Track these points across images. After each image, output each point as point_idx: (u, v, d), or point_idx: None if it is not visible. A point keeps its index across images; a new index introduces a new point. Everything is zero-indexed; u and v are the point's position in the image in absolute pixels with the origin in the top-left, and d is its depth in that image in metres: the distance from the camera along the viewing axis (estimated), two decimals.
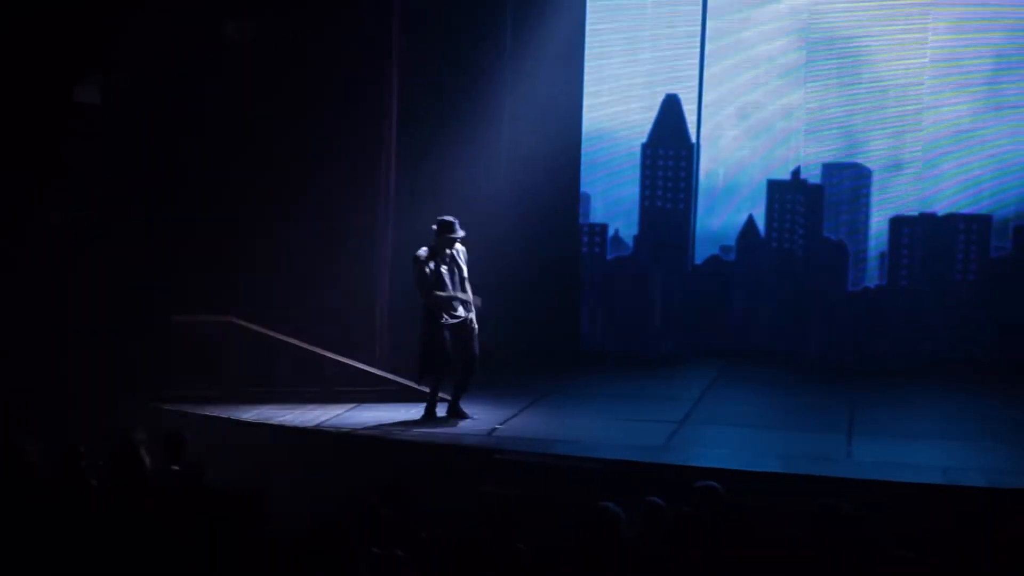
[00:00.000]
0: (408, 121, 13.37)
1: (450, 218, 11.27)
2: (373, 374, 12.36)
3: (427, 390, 11.53)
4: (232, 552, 5.22)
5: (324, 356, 12.31)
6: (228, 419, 11.45)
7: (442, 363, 11.28)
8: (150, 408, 11.23)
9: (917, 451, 10.77)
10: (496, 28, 14.26)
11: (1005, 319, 14.00)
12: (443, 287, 11.17)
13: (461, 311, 11.25)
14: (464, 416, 11.38)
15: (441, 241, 11.17)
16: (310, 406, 11.85)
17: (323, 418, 11.45)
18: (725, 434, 11.24)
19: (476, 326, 11.32)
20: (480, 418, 11.38)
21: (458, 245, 11.27)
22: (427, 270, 11.12)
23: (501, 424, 11.27)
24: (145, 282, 12.50)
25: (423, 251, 11.17)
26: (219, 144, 12.98)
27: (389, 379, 12.36)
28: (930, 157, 14.15)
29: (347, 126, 13.07)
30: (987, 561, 6.58)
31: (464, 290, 11.27)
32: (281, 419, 11.42)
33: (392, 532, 6.67)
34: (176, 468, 8.35)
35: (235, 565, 5.18)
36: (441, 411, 11.44)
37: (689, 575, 5.53)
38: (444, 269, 11.18)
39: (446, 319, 11.18)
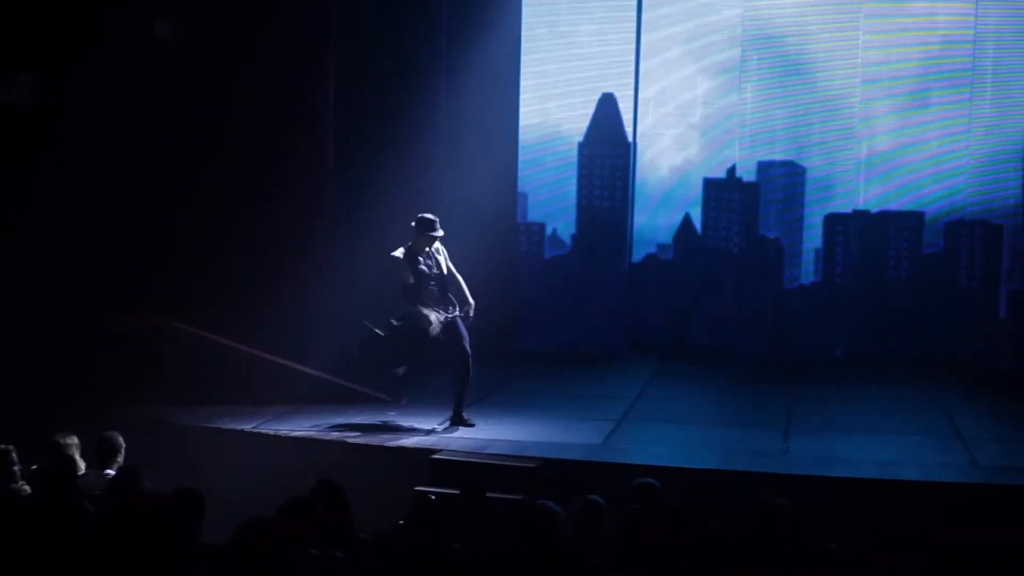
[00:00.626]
0: (346, 124, 13.31)
1: (430, 216, 10.97)
2: (313, 376, 12.27)
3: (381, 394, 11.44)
4: (165, 557, 5.15)
5: (265, 358, 12.22)
6: (165, 422, 11.33)
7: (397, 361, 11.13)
8: (87, 412, 11.08)
9: (853, 446, 10.86)
10: (433, 30, 14.21)
11: (937, 315, 14.16)
12: (422, 289, 10.94)
13: (444, 313, 11.00)
14: (468, 424, 11.09)
15: (421, 240, 10.91)
16: (249, 408, 11.74)
17: (262, 420, 11.36)
18: (663, 431, 11.27)
19: (464, 331, 11.06)
20: (435, 419, 11.30)
21: (438, 244, 11.04)
22: (407, 273, 10.85)
23: (440, 424, 11.24)
24: (84, 284, 12.38)
25: (399, 252, 10.91)
26: (157, 147, 12.88)
27: (329, 381, 12.28)
28: (863, 155, 14.29)
29: (286, 129, 13.00)
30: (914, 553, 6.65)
31: (447, 290, 11.03)
32: (220, 422, 11.32)
33: (330, 533, 6.63)
34: (110, 473, 8.25)
35: (167, 570, 5.11)
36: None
37: (629, 572, 5.52)
38: (423, 269, 10.92)
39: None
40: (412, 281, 10.86)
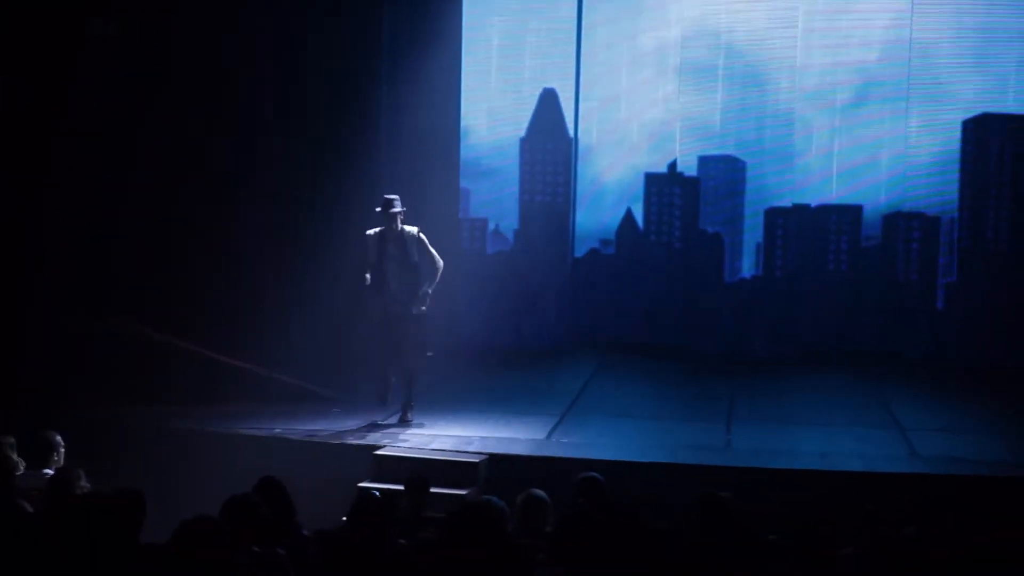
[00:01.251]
0: (285, 116, 13.27)
1: (389, 195, 11.05)
2: (260, 374, 12.20)
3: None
4: (103, 556, 5.10)
5: (213, 357, 12.13)
6: (114, 421, 11.22)
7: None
8: (32, 411, 10.97)
9: (795, 438, 10.97)
10: (373, 23, 14.14)
11: (876, 307, 14.30)
12: (382, 270, 10.92)
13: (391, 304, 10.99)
14: (410, 423, 11.11)
15: (385, 220, 10.95)
16: (195, 407, 11.66)
17: (208, 419, 11.28)
18: (606, 426, 11.30)
19: (409, 330, 11.04)
20: (379, 418, 11.27)
21: (408, 228, 11.02)
22: (370, 252, 10.91)
23: (383, 421, 11.21)
24: (35, 287, 12.31)
25: (373, 230, 10.99)
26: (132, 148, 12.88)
27: (275, 379, 12.22)
28: (803, 149, 14.38)
29: (240, 143, 13.10)
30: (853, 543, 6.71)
31: (403, 277, 11.01)
32: (167, 421, 11.23)
33: (272, 530, 6.59)
34: (49, 472, 8.17)
35: (106, 569, 5.06)
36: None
37: (572, 566, 5.53)
38: (388, 252, 10.94)
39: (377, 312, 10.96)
40: (372, 260, 10.87)
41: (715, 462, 9.97)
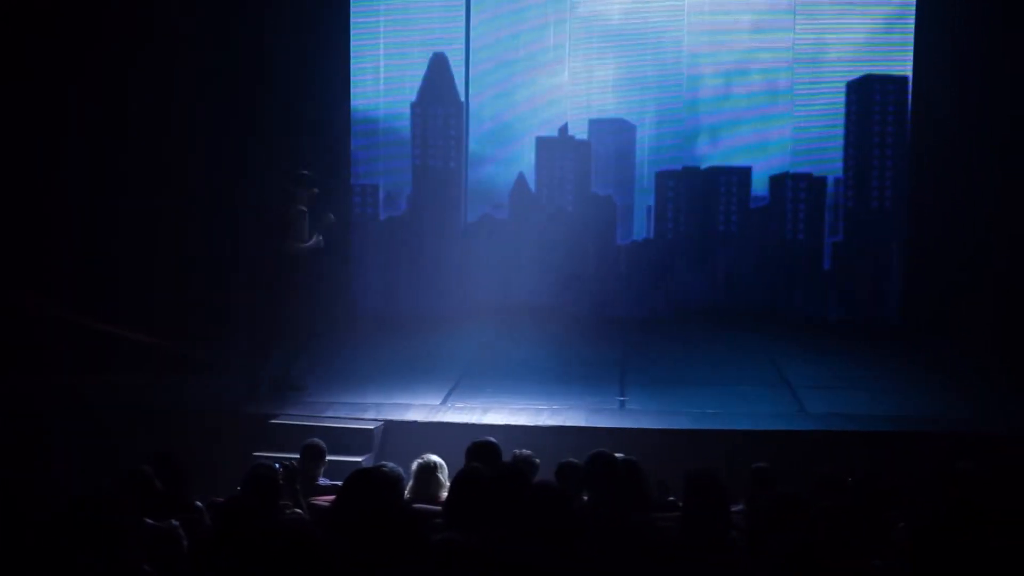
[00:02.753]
0: (173, 96, 13.20)
1: (306, 171, 10.96)
2: (152, 343, 12.05)
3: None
4: None
5: (103, 328, 11.94)
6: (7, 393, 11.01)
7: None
8: None
9: (686, 398, 11.10)
10: None
11: (765, 267, 14.53)
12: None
13: None
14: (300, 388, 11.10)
15: (308, 196, 10.87)
16: (90, 379, 11.45)
17: (103, 391, 11.10)
18: (501, 390, 11.32)
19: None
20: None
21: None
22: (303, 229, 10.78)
23: (278, 390, 11.14)
24: None
25: (303, 207, 10.84)
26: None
27: (168, 348, 12.08)
28: (691, 112, 14.52)
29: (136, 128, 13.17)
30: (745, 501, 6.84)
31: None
32: (60, 393, 11.02)
33: (166, 503, 6.55)
34: None
35: None
36: None
37: (467, 530, 5.56)
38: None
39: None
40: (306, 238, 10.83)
41: (609, 423, 10.07)
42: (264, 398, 10.77)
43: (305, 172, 10.94)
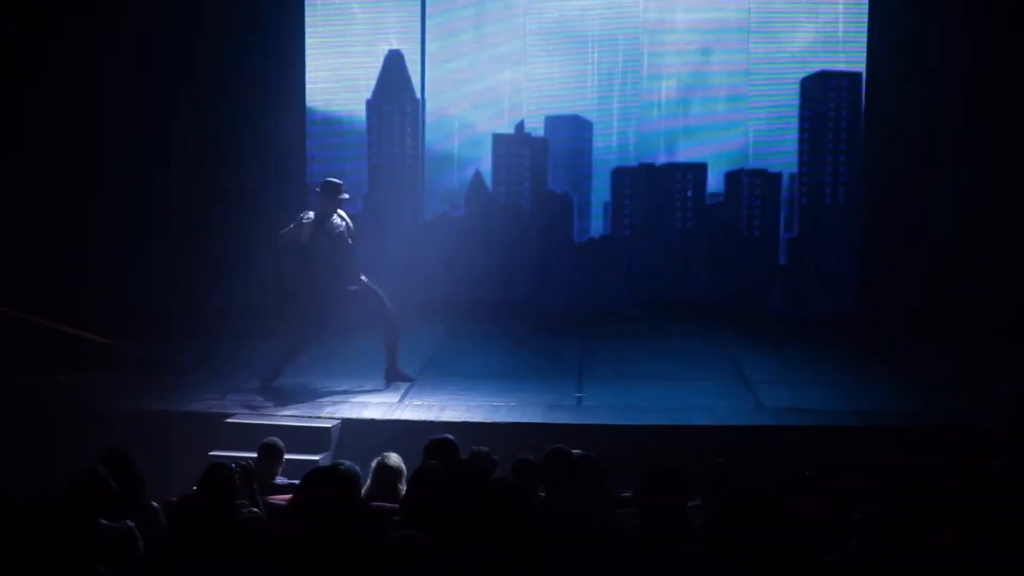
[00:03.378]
0: (132, 99, 13.14)
1: (335, 180, 10.96)
2: (105, 343, 11.95)
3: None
4: None
5: (55, 327, 11.84)
6: None
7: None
8: None
9: (644, 393, 11.13)
10: None
11: (722, 263, 14.58)
12: (319, 255, 10.75)
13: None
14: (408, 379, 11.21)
15: (326, 205, 10.84)
16: (40, 378, 11.35)
17: (52, 390, 11.01)
18: (459, 387, 11.29)
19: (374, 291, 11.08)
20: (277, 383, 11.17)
21: (343, 214, 10.95)
22: (305, 231, 10.71)
23: (233, 390, 11.08)
24: None
25: (310, 213, 10.84)
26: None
27: (123, 347, 12.00)
28: (648, 109, 14.54)
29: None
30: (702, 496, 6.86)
31: (346, 260, 10.92)
32: (6, 392, 10.91)
33: (120, 503, 6.49)
34: None
35: None
36: None
37: (424, 526, 5.55)
38: (327, 235, 10.80)
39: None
40: (304, 240, 10.73)
41: (566, 420, 10.07)
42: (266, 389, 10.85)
43: (330, 180, 10.97)
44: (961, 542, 5.59)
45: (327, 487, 5.51)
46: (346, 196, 11.05)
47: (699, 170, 14.61)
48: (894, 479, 6.93)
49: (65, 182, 13.18)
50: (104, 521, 6.03)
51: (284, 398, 10.78)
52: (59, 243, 12.95)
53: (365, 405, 10.51)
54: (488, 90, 14.71)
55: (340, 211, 11.00)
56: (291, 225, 10.88)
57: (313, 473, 5.69)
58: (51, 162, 13.24)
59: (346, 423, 10.02)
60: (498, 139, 14.79)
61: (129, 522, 6.13)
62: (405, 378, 11.28)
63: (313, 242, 10.79)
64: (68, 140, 13.21)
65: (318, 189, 11.06)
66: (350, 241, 10.99)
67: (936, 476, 6.85)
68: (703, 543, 5.83)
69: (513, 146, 14.79)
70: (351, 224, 11.07)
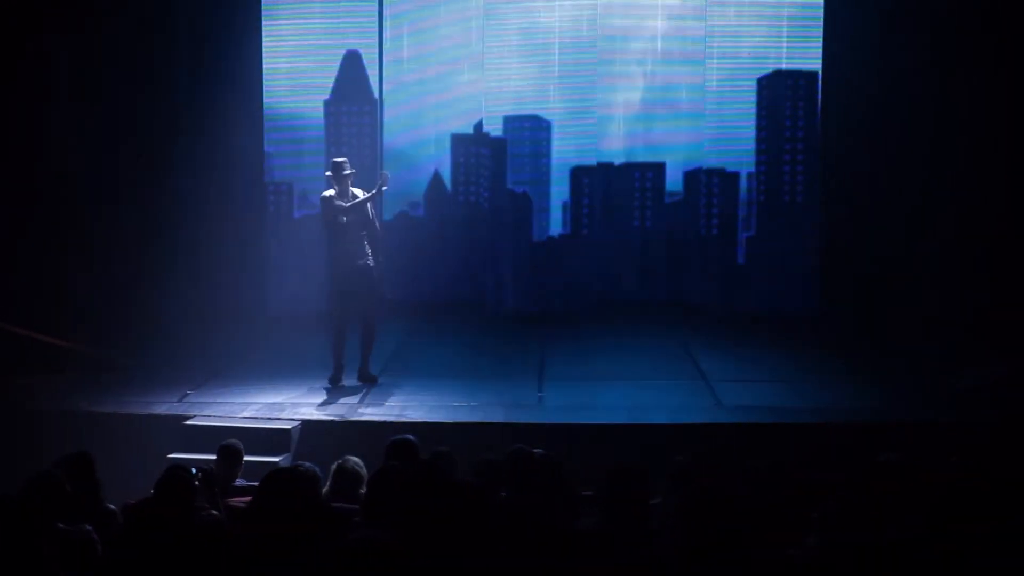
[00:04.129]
0: (84, 98, 13.07)
1: (338, 158, 11.25)
2: (58, 344, 11.86)
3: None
4: None
5: (16, 331, 11.75)
6: None
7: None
8: None
9: (605, 392, 11.15)
10: None
11: (680, 262, 14.61)
12: (347, 232, 11.00)
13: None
14: (374, 381, 11.29)
15: (339, 183, 11.05)
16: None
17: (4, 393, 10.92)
18: (419, 387, 11.29)
19: (376, 274, 11.26)
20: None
21: (359, 190, 11.15)
22: (335, 211, 10.95)
23: (191, 390, 11.02)
24: None
25: (330, 192, 11.07)
26: None
27: (76, 349, 11.90)
28: (606, 108, 14.56)
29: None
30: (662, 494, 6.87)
31: (369, 233, 11.15)
32: None
33: (77, 506, 6.44)
34: None
35: None
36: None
37: (384, 527, 5.52)
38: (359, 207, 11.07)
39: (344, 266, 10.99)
40: (344, 220, 10.97)
41: (527, 419, 10.07)
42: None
43: (335, 160, 11.28)
44: (920, 537, 5.62)
45: (287, 488, 5.48)
46: (351, 171, 11.18)
47: (658, 169, 14.64)
48: (852, 475, 6.96)
49: (14, 183, 13.04)
50: (61, 525, 5.98)
51: (243, 399, 10.73)
52: (10, 246, 12.80)
53: (325, 406, 10.48)
54: (447, 89, 14.68)
55: (354, 188, 11.19)
56: (332, 202, 11.02)
57: (273, 474, 5.66)
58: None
59: (306, 424, 10.00)
60: (457, 139, 14.77)
61: (87, 526, 6.08)
62: (373, 380, 11.25)
63: (343, 218, 11.04)
64: (17, 140, 13.05)
65: (328, 173, 11.25)
66: (367, 216, 11.21)
67: (899, 473, 6.88)
68: (664, 540, 5.84)
69: (472, 146, 14.78)
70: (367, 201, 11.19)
